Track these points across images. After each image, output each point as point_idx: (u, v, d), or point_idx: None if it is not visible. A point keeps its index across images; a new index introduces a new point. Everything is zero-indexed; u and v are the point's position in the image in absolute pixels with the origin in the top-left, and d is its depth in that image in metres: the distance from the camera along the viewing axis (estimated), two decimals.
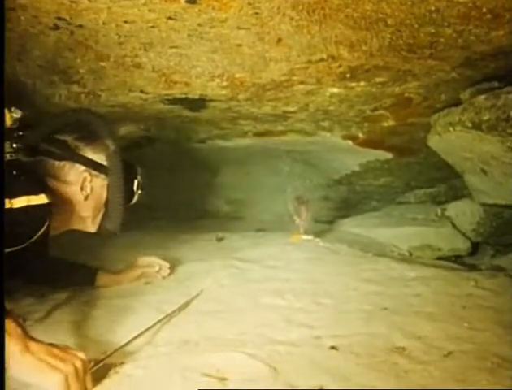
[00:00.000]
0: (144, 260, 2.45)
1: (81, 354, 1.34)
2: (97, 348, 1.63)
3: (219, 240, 3.53)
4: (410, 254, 3.43)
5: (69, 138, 1.78)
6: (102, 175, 1.81)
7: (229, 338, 1.75)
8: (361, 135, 3.40)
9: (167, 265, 2.49)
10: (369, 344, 1.66)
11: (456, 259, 3.49)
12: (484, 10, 1.52)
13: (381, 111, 2.92)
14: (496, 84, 2.30)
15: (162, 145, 4.02)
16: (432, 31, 1.70)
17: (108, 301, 2.15)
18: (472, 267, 3.24)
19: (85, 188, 1.79)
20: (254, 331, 1.80)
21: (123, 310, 2.02)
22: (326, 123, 3.26)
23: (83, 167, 1.78)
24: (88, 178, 1.79)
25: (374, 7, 1.51)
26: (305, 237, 3.25)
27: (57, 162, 1.74)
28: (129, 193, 1.94)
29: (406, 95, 2.60)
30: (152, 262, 2.46)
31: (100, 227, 1.91)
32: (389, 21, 1.62)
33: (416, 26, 1.66)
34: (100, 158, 1.80)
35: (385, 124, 3.12)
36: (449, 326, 1.79)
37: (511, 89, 2.17)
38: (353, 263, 2.68)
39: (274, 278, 2.44)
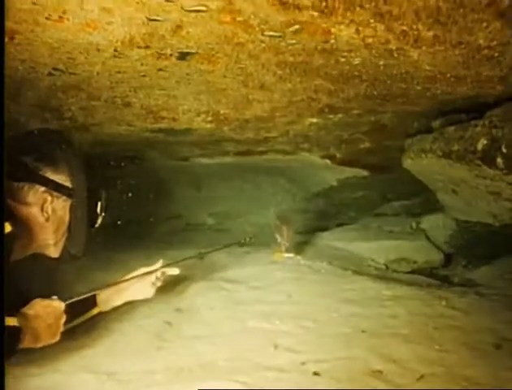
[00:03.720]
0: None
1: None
2: None
3: (202, 257, 3.62)
4: (387, 268, 3.59)
5: (28, 159, 1.69)
6: (64, 197, 1.73)
7: (221, 364, 1.86)
8: (338, 155, 3.56)
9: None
10: (349, 368, 1.80)
11: (430, 270, 3.67)
12: (448, 75, 1.69)
13: (358, 135, 3.08)
14: (464, 116, 2.46)
15: (147, 164, 4.11)
16: (403, 86, 1.87)
17: (105, 324, 2.19)
18: (445, 279, 3.41)
19: (46, 210, 1.70)
20: (244, 356, 1.92)
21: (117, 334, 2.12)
22: (305, 145, 3.41)
23: (43, 188, 1.69)
24: (49, 199, 1.70)
25: (350, 68, 1.67)
26: (286, 255, 3.39)
27: (16, 184, 1.65)
28: (92, 216, 1.88)
29: (381, 122, 2.76)
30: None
31: (63, 252, 1.82)
32: (364, 77, 1.77)
33: (389, 82, 1.82)
34: (61, 179, 1.72)
35: (361, 146, 3.28)
36: (422, 348, 1.94)
37: (477, 123, 2.31)
38: (333, 283, 2.81)
39: (260, 300, 2.56)
